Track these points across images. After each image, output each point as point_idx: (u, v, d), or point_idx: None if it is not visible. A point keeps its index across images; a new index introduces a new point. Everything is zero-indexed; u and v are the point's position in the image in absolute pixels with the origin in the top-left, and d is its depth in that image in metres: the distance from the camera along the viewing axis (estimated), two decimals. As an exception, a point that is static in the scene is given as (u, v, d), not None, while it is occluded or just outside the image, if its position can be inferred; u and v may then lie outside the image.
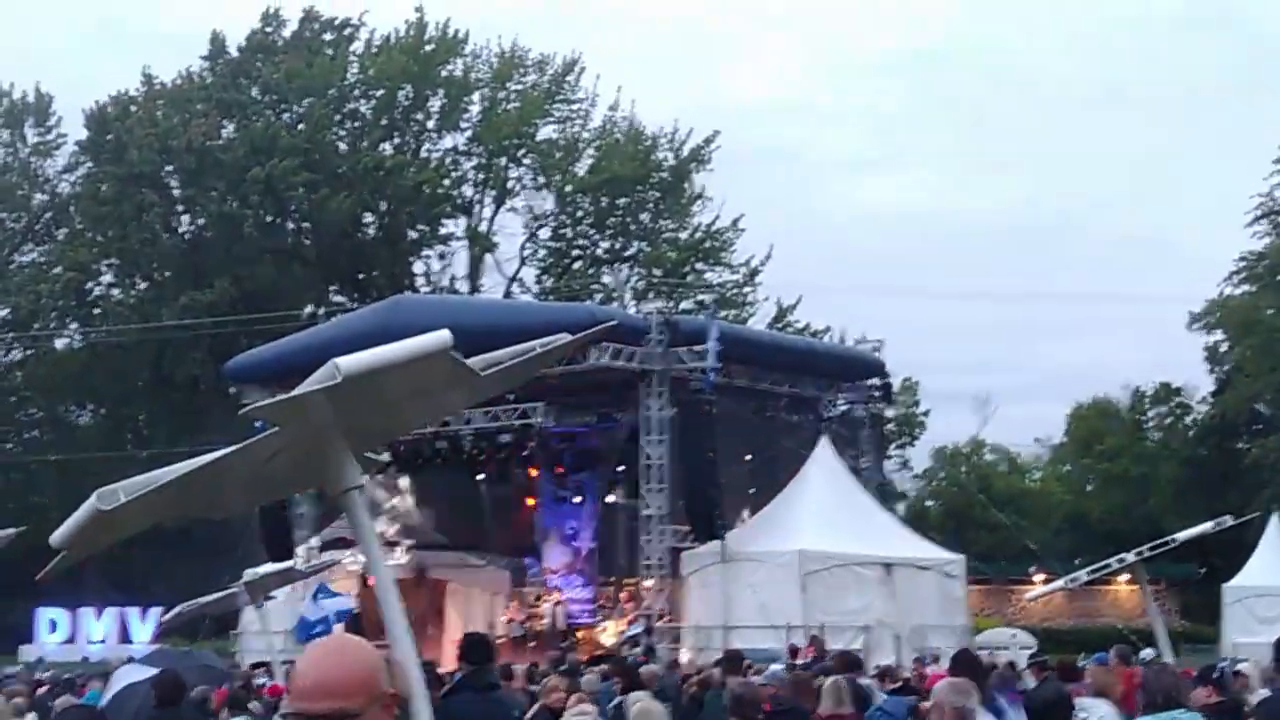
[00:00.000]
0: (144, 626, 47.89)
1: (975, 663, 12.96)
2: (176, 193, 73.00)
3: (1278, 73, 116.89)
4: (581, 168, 74.42)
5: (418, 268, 76.68)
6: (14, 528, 15.80)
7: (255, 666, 24.48)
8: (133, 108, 72.88)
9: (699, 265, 74.11)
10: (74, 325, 74.27)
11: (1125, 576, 39.64)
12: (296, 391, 5.73)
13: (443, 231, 76.27)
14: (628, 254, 75.08)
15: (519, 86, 75.30)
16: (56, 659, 42.43)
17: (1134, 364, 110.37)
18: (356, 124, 75.01)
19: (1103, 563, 19.53)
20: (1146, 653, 21.03)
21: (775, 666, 20.25)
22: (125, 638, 47.93)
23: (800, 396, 40.90)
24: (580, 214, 75.06)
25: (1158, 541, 18.36)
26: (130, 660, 23.91)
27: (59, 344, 74.76)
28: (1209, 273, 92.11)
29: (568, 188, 74.00)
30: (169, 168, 71.22)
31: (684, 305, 67.43)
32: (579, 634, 39.88)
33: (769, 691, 13.00)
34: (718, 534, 34.12)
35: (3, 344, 74.37)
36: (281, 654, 22.48)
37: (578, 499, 41.93)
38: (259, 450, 6.01)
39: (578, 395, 38.24)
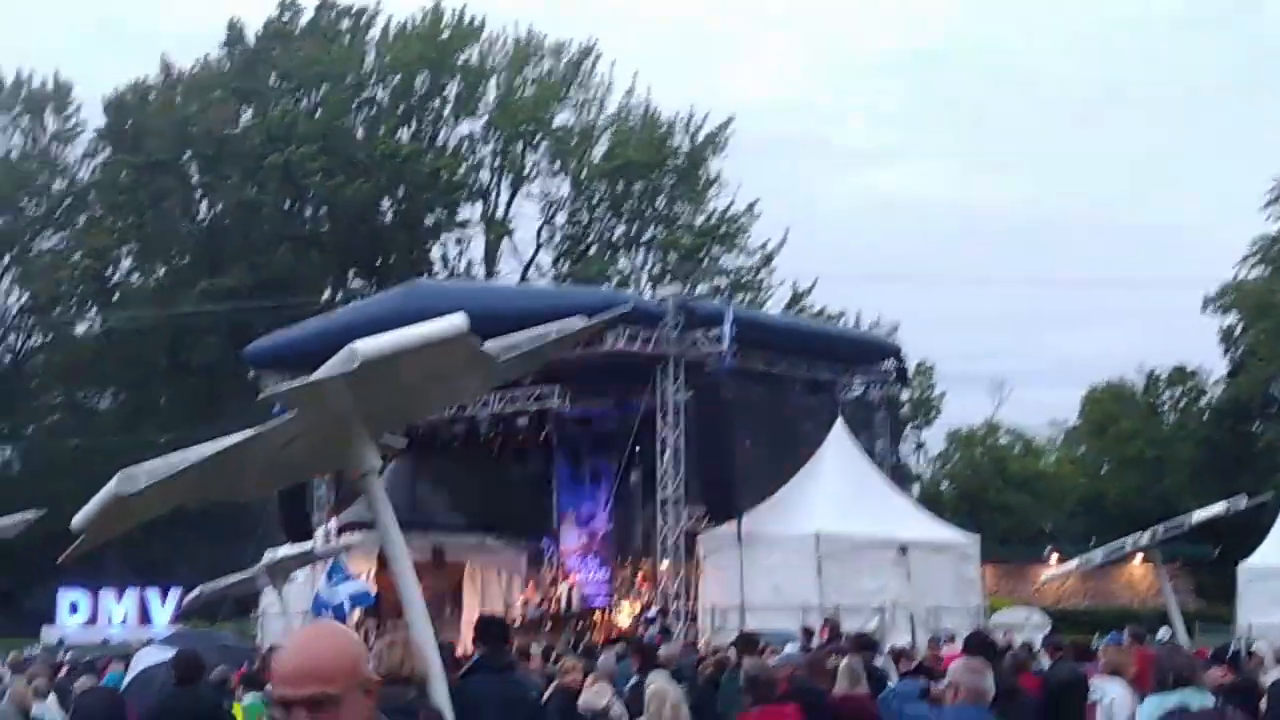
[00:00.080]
0: (164, 608, 48.11)
1: (989, 643, 13.06)
2: (195, 179, 73.23)
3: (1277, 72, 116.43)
4: (597, 153, 74.41)
5: (434, 253, 76.81)
6: (34, 511, 15.95)
7: (274, 649, 24.62)
8: (151, 95, 73.14)
9: (714, 250, 74.02)
10: (93, 311, 74.44)
11: (1140, 557, 39.71)
12: (314, 376, 5.85)
13: (459, 217, 76.37)
14: (643, 239, 75.10)
15: (535, 73, 75.30)
16: (78, 641, 42.65)
17: (1146, 349, 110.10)
18: (373, 110, 75.13)
19: (1117, 544, 19.61)
20: (1163, 633, 21.12)
21: (790, 648, 20.38)
22: (146, 619, 48.10)
23: (815, 380, 40.89)
24: (596, 199, 75.06)
25: (1172, 523, 18.43)
26: (150, 642, 24.05)
27: (78, 330, 75.01)
28: (1219, 259, 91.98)
29: (583, 173, 74.04)
30: (187, 155, 71.43)
31: (700, 289, 67.53)
32: (595, 615, 40.04)
33: (784, 672, 13.09)
34: (733, 516, 34.17)
35: (23, 330, 74.70)
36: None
37: (594, 482, 42.08)
38: (277, 434, 6.13)
39: (594, 379, 38.27)
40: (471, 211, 76.31)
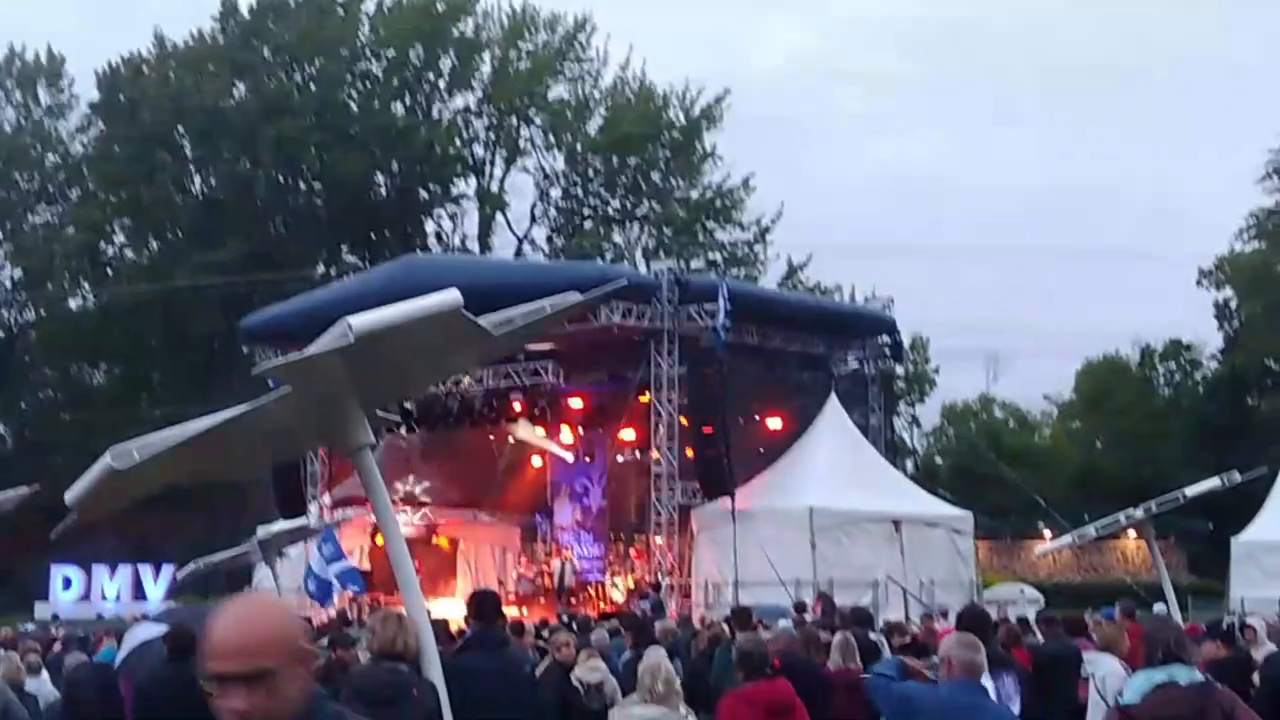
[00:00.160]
0: (158, 584, 48.15)
1: (983, 618, 13.03)
2: (189, 153, 73.05)
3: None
4: (592, 127, 74.31)
5: (429, 227, 76.74)
6: (28, 486, 15.94)
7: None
8: (145, 69, 73.00)
9: (709, 224, 73.94)
10: (87, 285, 74.38)
11: (1134, 532, 39.71)
12: (309, 351, 5.83)
13: (454, 191, 76.44)
14: (638, 213, 75.01)
15: (530, 46, 75.10)
16: (71, 616, 42.71)
17: (1141, 323, 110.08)
18: (368, 84, 74.96)
19: (1111, 518, 19.60)
20: (1158, 608, 21.12)
21: (784, 622, 20.39)
22: (139, 595, 48.11)
23: (810, 354, 40.92)
24: (591, 173, 74.98)
25: (1166, 497, 18.41)
26: (144, 617, 24.06)
27: (72, 304, 74.91)
28: (1214, 232, 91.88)
29: (578, 147, 73.96)
30: (181, 128, 71.24)
31: (694, 264, 67.52)
32: (589, 590, 40.11)
33: (778, 646, 13.09)
34: (727, 491, 34.20)
35: (16, 304, 74.63)
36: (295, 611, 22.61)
37: (588, 457, 42.13)
38: (272, 410, 6.11)
39: (588, 354, 38.30)
40: (466, 186, 76.39)
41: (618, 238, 74.47)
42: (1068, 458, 77.26)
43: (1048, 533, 49.80)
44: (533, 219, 75.48)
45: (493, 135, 75.64)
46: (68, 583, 49.14)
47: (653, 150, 73.37)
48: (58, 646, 22.36)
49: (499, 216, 75.31)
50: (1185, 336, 77.99)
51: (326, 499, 39.82)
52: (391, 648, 8.24)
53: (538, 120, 74.67)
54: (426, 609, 7.83)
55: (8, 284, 74.70)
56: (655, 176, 74.56)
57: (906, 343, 50.84)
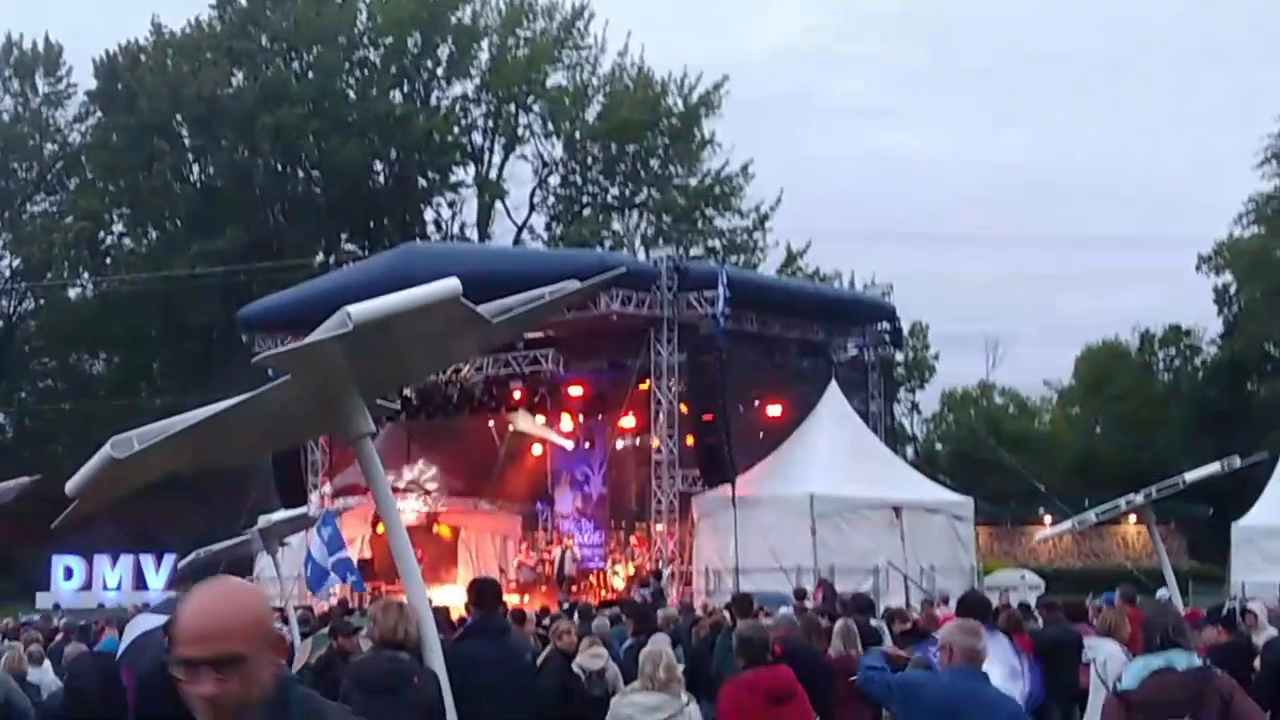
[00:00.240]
0: (159, 574, 48.16)
1: (983, 604, 13.05)
2: (187, 141, 72.98)
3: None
4: (591, 114, 74.15)
5: (428, 215, 76.66)
6: (28, 476, 15.93)
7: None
8: (142, 57, 72.85)
9: (708, 211, 73.82)
10: (86, 274, 74.35)
11: (1134, 517, 39.70)
12: (308, 340, 5.82)
13: (452, 179, 76.32)
14: (637, 200, 74.93)
15: (528, 33, 74.94)
16: (72, 606, 42.70)
17: (1141, 308, 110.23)
18: (366, 72, 74.83)
19: (1111, 504, 19.57)
20: (1161, 593, 21.10)
21: (785, 609, 20.40)
22: (140, 585, 48.13)
23: (810, 341, 40.92)
24: (589, 160, 74.85)
25: (1166, 482, 18.38)
26: (146, 607, 24.06)
27: (71, 293, 74.87)
28: (1213, 218, 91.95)
29: (577, 135, 73.80)
30: (179, 117, 71.14)
31: (694, 251, 67.47)
32: (590, 578, 40.14)
33: (779, 633, 13.09)
34: (728, 478, 34.23)
35: (15, 293, 74.58)
36: (294, 600, 22.63)
37: (588, 444, 42.14)
38: (271, 398, 6.10)
39: (588, 341, 38.32)
40: (465, 173, 76.31)
41: (617, 225, 74.43)
42: (1068, 443, 77.33)
43: (1048, 518, 49.87)
44: (531, 207, 75.49)
45: (491, 123, 75.56)
46: (69, 572, 49.17)
47: (651, 137, 73.19)
48: (59, 637, 22.36)
49: (498, 204, 75.30)
50: (1185, 322, 78.13)
51: (327, 488, 39.83)
52: (393, 636, 8.24)
53: (536, 107, 74.53)
54: (428, 597, 7.82)
55: (6, 273, 74.70)
56: (654, 163, 74.41)
57: (906, 329, 50.91)
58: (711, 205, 73.69)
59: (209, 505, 46.91)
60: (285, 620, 18.65)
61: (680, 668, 10.95)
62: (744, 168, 73.05)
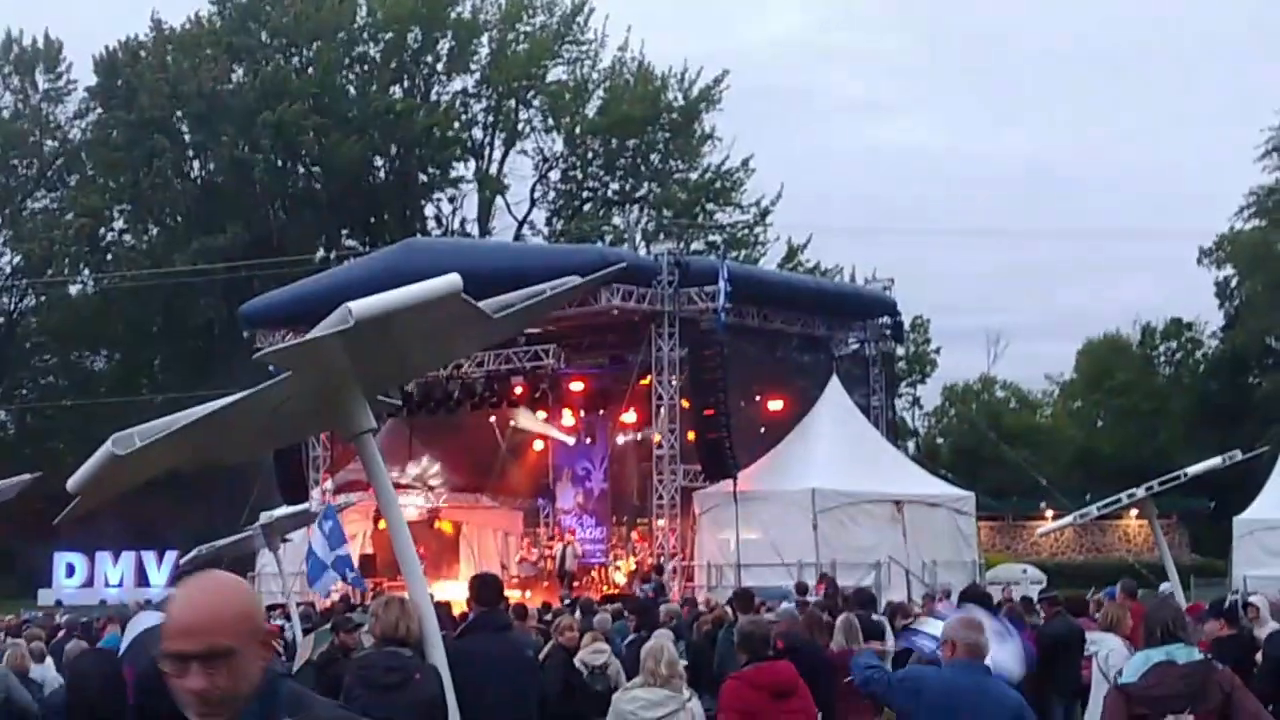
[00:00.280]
0: (161, 570, 48.15)
1: (985, 598, 13.08)
2: (187, 138, 72.96)
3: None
4: (591, 109, 74.11)
5: (428, 211, 76.65)
6: (30, 473, 15.93)
7: (270, 609, 24.61)
8: (142, 53, 72.81)
9: (709, 206, 73.76)
10: (87, 271, 74.30)
11: (1135, 511, 39.74)
12: (309, 336, 5.81)
13: (453, 174, 76.28)
14: (638, 195, 74.90)
15: (528, 28, 74.87)
16: (74, 602, 42.68)
17: (1142, 302, 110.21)
18: (366, 67, 74.82)
19: (1113, 498, 19.57)
20: (1163, 587, 21.10)
21: (787, 604, 20.40)
22: (142, 581, 48.14)
23: (811, 335, 40.90)
24: (590, 155, 74.83)
25: (1168, 476, 18.38)
26: (148, 603, 24.04)
27: (72, 290, 74.83)
28: (1214, 211, 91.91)
29: (577, 129, 73.76)
30: (179, 113, 71.12)
31: (694, 246, 67.42)
32: (591, 573, 40.14)
33: (780, 628, 13.09)
34: (729, 473, 34.22)
35: (16, 290, 74.54)
36: (297, 595, 22.64)
37: (589, 440, 42.12)
38: (272, 395, 6.10)
39: (589, 337, 38.34)
40: (465, 169, 76.27)
41: (617, 220, 74.30)
42: (1069, 437, 77.34)
43: (1049, 512, 49.87)
44: (532, 202, 75.48)
45: (491, 118, 75.56)
46: (71, 569, 49.21)
47: (652, 132, 73.16)
48: (61, 633, 22.36)
49: (498, 200, 75.24)
50: (1186, 315, 78.13)
51: (329, 484, 39.84)
52: (394, 632, 8.25)
53: (536, 102, 74.51)
54: (429, 593, 7.81)
55: (7, 270, 74.65)
56: (654, 158, 74.42)
57: (907, 323, 50.88)
58: (712, 200, 73.69)
59: (210, 502, 46.93)
60: (288, 616, 18.67)
61: (682, 663, 10.96)
62: (744, 162, 73.15)
